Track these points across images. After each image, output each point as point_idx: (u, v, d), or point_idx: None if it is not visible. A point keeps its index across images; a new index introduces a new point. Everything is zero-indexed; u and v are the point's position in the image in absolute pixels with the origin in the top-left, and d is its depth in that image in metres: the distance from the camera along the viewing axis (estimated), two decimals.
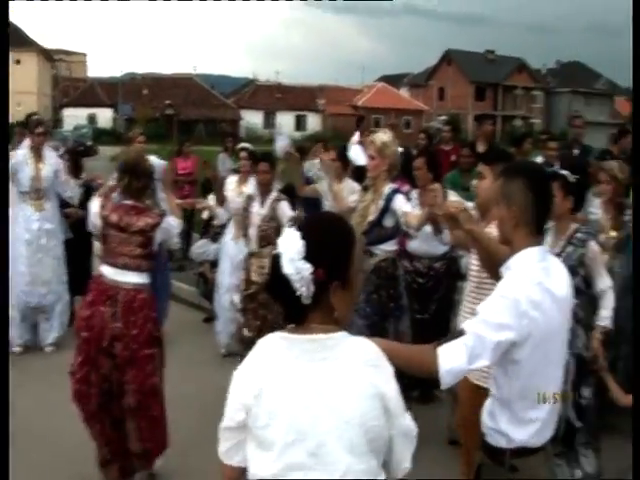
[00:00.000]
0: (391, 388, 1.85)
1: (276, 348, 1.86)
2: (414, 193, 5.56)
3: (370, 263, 4.85)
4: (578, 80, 71.77)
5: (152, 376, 4.27)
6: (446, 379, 2.32)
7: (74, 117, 50.99)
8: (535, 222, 2.56)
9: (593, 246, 4.25)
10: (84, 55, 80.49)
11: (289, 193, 6.51)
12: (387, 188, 4.89)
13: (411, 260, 5.60)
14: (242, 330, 5.87)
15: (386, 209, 4.85)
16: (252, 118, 55.08)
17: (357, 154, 8.60)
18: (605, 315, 4.20)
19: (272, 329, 2.03)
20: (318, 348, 1.82)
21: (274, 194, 5.95)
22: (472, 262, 3.84)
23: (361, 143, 10.49)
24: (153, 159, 4.67)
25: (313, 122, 58.60)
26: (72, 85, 61.66)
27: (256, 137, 52.19)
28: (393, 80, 74.32)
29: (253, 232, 5.88)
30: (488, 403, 2.64)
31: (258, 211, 5.90)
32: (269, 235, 5.73)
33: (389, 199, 4.85)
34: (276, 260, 1.81)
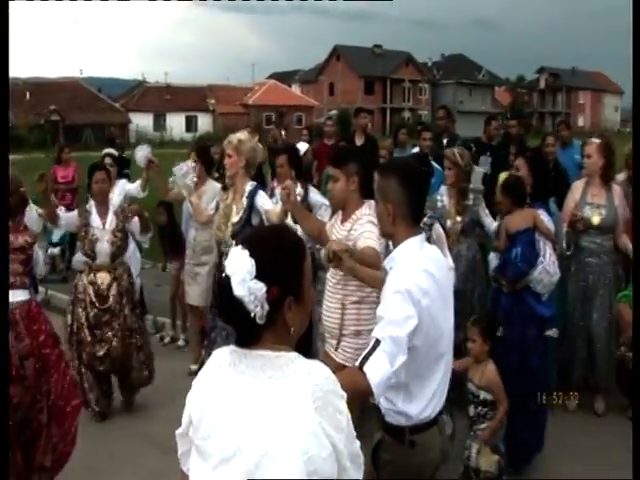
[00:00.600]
0: (339, 428, 1.74)
1: (224, 362, 1.82)
2: (277, 190, 5.62)
3: None
4: (461, 72, 74.33)
5: (68, 369, 4.52)
6: (378, 391, 2.46)
7: None
8: (411, 215, 2.75)
9: (437, 228, 4.61)
10: None
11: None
12: (248, 186, 5.08)
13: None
14: None
15: (251, 207, 5.02)
16: (142, 121, 54.00)
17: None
18: None
19: None
20: (267, 365, 1.76)
21: (115, 204, 5.62)
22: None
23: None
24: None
25: (204, 122, 58.03)
26: None
27: (147, 140, 51.35)
28: (284, 77, 74.59)
29: (100, 246, 5.41)
30: None
31: (98, 225, 5.48)
32: (120, 247, 5.50)
33: (252, 196, 5.04)
34: (226, 282, 1.73)
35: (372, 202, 3.67)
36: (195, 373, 1.96)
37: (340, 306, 3.93)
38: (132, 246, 6.26)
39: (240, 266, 1.72)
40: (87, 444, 4.79)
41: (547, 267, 4.89)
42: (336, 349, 3.98)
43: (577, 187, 5.69)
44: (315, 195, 5.79)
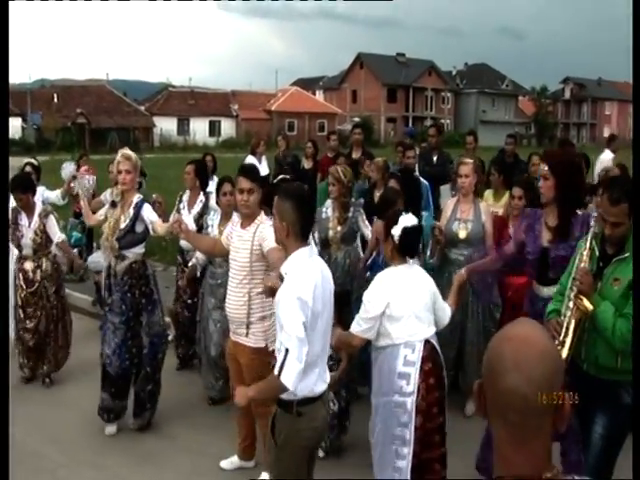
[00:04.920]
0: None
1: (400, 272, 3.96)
2: (185, 197, 6.85)
3: (123, 265, 5.44)
4: (485, 81, 74.25)
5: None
6: (293, 387, 3.23)
7: None
8: (301, 231, 3.45)
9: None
10: None
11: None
12: (136, 198, 5.49)
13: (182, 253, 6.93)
14: None
15: (136, 217, 5.43)
16: (166, 125, 54.58)
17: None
18: None
19: None
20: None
21: (39, 209, 6.47)
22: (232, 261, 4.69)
23: (254, 153, 10.97)
24: None
25: (227, 127, 58.47)
26: None
27: (170, 144, 51.88)
28: (308, 83, 74.99)
29: (25, 241, 6.43)
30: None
31: (25, 223, 6.41)
32: (41, 243, 6.44)
33: (138, 207, 5.44)
34: None
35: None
36: None
37: (247, 298, 4.57)
38: None
39: None
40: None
41: None
42: (247, 335, 4.60)
43: (449, 205, 6.10)
44: (212, 202, 6.55)
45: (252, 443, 5.04)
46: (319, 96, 72.10)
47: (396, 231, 4.05)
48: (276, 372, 3.23)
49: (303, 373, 3.27)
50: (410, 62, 72.28)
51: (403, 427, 3.95)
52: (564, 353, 3.63)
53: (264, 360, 4.52)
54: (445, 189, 7.45)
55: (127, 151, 5.53)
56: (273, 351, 4.70)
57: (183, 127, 56.71)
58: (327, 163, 8.70)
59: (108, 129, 48.49)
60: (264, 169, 10.55)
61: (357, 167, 8.66)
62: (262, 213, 4.66)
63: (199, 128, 56.41)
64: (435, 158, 8.87)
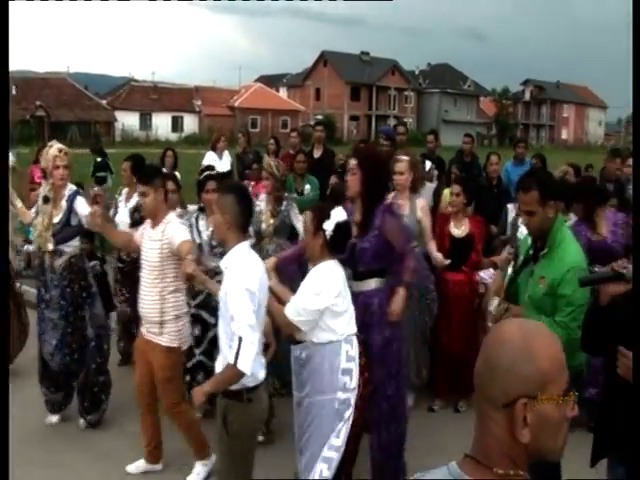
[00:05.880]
0: None
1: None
2: (124, 191, 6.82)
3: (61, 261, 5.38)
4: (447, 81, 74.94)
5: None
6: (252, 370, 3.37)
7: None
8: (242, 225, 3.58)
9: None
10: None
11: None
12: (68, 190, 5.39)
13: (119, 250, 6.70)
14: None
15: (70, 209, 5.35)
16: (128, 119, 54.00)
17: (212, 160, 9.17)
18: None
19: None
20: None
21: None
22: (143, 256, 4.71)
23: (215, 149, 10.95)
24: None
25: (190, 123, 58.12)
26: None
27: (132, 139, 51.33)
28: (272, 80, 74.84)
29: None
30: (220, 362, 3.60)
31: None
32: None
33: (71, 200, 5.36)
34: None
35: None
36: None
37: (159, 297, 4.57)
38: None
39: None
40: None
41: None
42: (160, 334, 4.60)
43: (387, 200, 6.07)
44: (191, 207, 6.68)
45: (157, 446, 4.93)
46: (282, 93, 72.05)
47: (328, 226, 3.87)
48: (231, 361, 3.33)
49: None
50: (374, 61, 72.58)
51: (344, 423, 3.87)
52: None
53: (176, 360, 4.67)
54: None
55: (61, 145, 5.43)
56: (185, 351, 4.86)
57: (145, 122, 56.18)
58: (288, 160, 8.71)
59: (68, 123, 47.79)
60: (225, 165, 10.49)
61: (320, 164, 8.69)
62: (170, 213, 4.72)
63: (162, 123, 55.96)
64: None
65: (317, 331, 3.85)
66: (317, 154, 9.21)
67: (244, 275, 3.44)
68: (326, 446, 3.83)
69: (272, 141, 10.21)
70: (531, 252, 3.86)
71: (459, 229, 6.11)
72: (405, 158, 6.04)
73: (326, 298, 3.79)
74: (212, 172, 6.89)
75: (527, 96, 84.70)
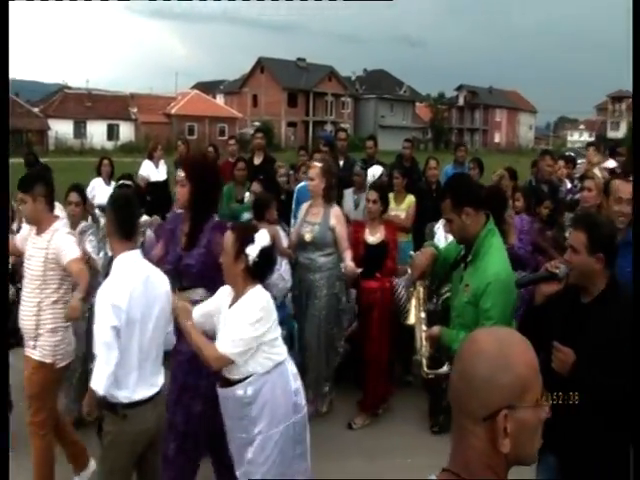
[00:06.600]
0: None
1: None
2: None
3: None
4: (383, 87, 75.76)
5: None
6: (104, 389, 3.25)
7: None
8: (122, 234, 3.46)
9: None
10: None
11: None
12: None
13: None
14: None
15: None
16: (61, 128, 52.79)
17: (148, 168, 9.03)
18: None
19: None
20: None
21: None
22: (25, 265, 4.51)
23: (152, 157, 10.81)
24: None
25: (126, 131, 57.21)
26: None
27: (66, 148, 50.23)
28: (208, 87, 74.35)
29: None
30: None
31: None
32: None
33: None
34: None
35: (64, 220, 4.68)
36: None
37: (37, 308, 4.37)
38: None
39: None
40: None
41: (283, 274, 5.74)
42: (34, 347, 4.38)
43: (304, 208, 6.13)
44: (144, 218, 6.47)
45: (80, 455, 4.85)
46: (220, 100, 71.65)
47: (253, 251, 3.52)
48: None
49: (120, 379, 3.32)
50: (311, 67, 72.83)
51: (302, 444, 3.73)
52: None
53: (48, 377, 4.38)
54: (349, 193, 7.58)
55: None
56: (61, 368, 4.50)
57: (80, 130, 55.01)
58: (228, 168, 8.67)
59: None
60: (162, 174, 10.39)
61: (260, 171, 8.68)
62: (58, 221, 4.51)
63: (97, 131, 54.89)
64: (342, 162, 9.02)
65: (260, 360, 3.56)
66: (257, 161, 9.19)
67: (112, 288, 3.31)
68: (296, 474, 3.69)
69: (211, 148, 10.16)
70: (462, 255, 3.82)
71: (374, 236, 6.03)
72: (318, 164, 5.98)
73: (263, 326, 3.52)
74: (127, 182, 6.76)
75: (461, 101, 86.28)
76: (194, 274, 4.23)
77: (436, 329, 3.81)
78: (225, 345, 3.46)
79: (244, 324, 3.46)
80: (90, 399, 3.45)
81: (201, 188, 4.28)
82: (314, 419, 5.86)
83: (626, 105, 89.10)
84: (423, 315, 3.91)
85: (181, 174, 4.38)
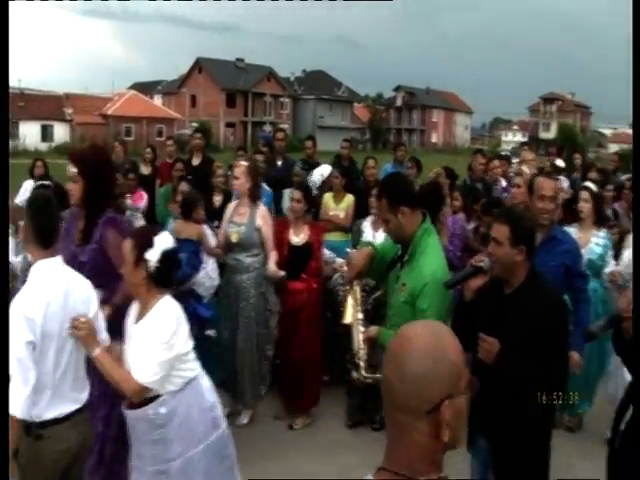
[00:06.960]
0: None
1: None
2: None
3: None
4: (322, 88, 76.07)
5: None
6: (23, 412, 2.91)
7: None
8: (40, 240, 3.10)
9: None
10: None
11: None
12: None
13: None
14: None
15: None
16: None
17: None
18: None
19: None
20: None
21: None
22: None
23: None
24: None
25: (61, 132, 55.90)
26: None
27: None
28: (146, 87, 73.31)
29: None
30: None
31: None
32: None
33: None
34: None
35: None
36: None
37: None
38: None
39: None
40: None
41: (210, 272, 5.85)
42: None
43: (230, 207, 6.06)
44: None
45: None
46: (157, 100, 70.78)
47: (153, 256, 3.24)
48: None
49: (36, 396, 3.00)
50: (249, 67, 72.55)
51: (228, 458, 3.58)
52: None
53: None
54: (287, 193, 7.60)
55: None
56: None
57: (12, 131, 53.57)
58: (166, 169, 8.61)
59: None
60: None
61: (199, 172, 8.64)
62: None
63: (30, 132, 53.49)
64: (280, 163, 9.05)
65: (171, 378, 3.31)
66: (196, 162, 9.14)
67: (26, 298, 2.99)
68: None
69: (149, 150, 10.04)
70: (399, 254, 3.86)
71: (298, 237, 5.95)
72: (243, 163, 5.98)
73: (177, 344, 3.29)
74: (45, 182, 6.56)
75: (399, 102, 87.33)
76: (87, 272, 3.78)
77: (373, 330, 3.80)
78: (142, 375, 3.20)
79: (157, 345, 3.21)
80: (14, 429, 2.96)
81: (94, 183, 4.16)
82: (254, 423, 5.96)
83: (556, 107, 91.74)
84: (360, 316, 3.87)
85: (73, 170, 4.22)
